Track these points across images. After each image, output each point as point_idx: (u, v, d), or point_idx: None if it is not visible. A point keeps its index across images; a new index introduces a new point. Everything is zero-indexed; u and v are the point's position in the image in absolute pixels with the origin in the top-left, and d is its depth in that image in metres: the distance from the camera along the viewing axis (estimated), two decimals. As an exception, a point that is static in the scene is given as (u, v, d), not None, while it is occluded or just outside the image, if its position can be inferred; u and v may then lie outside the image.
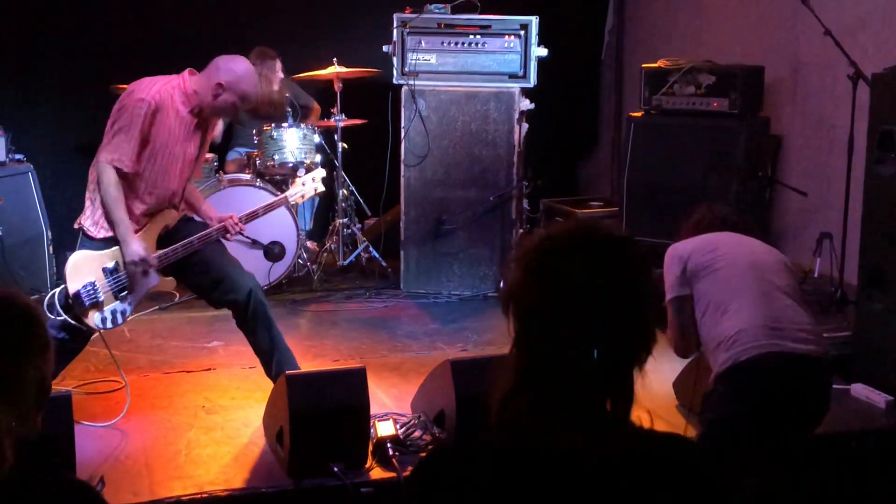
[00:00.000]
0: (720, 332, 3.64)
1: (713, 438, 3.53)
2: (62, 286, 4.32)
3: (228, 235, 4.59)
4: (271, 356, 4.50)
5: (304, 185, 4.99)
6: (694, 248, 3.86)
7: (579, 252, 1.69)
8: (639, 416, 1.72)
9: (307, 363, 5.05)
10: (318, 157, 6.64)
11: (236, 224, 4.57)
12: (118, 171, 4.26)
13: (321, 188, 5.10)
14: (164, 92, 4.34)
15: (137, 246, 4.30)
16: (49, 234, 6.27)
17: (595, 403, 1.67)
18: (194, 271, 4.51)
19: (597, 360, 1.65)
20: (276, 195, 6.33)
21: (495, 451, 1.65)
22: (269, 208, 4.86)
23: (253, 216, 4.73)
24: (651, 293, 1.73)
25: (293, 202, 5.00)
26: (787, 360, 3.55)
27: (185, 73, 4.43)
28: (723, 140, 6.23)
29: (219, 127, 7.12)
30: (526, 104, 6.54)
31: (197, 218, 4.68)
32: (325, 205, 7.47)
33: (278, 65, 7.16)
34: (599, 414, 1.67)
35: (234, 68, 4.40)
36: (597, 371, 1.66)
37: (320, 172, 5.12)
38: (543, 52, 6.45)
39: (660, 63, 6.59)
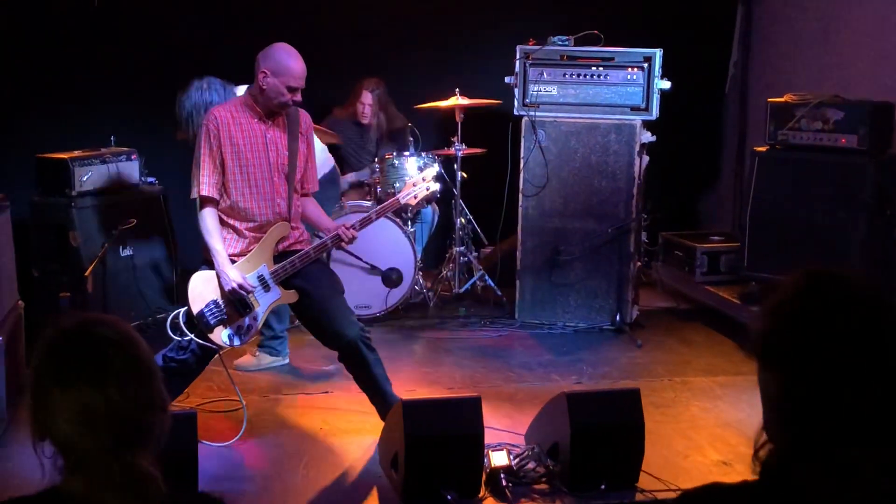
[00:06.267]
0: None
1: None
2: (185, 307, 4.45)
3: (343, 243, 4.62)
4: (373, 396, 4.57)
5: (415, 185, 4.89)
6: None
7: (837, 300, 1.63)
8: None
9: (422, 390, 5.10)
10: (437, 186, 6.69)
11: (348, 231, 4.56)
12: (209, 199, 4.47)
13: (434, 187, 4.98)
14: (223, 109, 4.54)
15: (233, 274, 4.41)
16: (178, 255, 6.48)
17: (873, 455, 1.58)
18: (301, 305, 4.57)
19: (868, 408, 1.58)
20: (396, 221, 6.44)
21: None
22: (381, 211, 4.79)
23: (367, 221, 4.70)
24: None
25: (404, 202, 4.88)
26: None
27: (247, 88, 4.59)
28: (850, 177, 6.07)
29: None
30: (647, 137, 6.49)
31: (316, 241, 4.73)
32: (442, 233, 7.53)
33: (363, 90, 7.16)
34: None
35: (270, 52, 4.51)
36: (870, 420, 1.58)
37: (432, 171, 5.01)
38: (667, 84, 6.40)
39: (786, 97, 6.47)
